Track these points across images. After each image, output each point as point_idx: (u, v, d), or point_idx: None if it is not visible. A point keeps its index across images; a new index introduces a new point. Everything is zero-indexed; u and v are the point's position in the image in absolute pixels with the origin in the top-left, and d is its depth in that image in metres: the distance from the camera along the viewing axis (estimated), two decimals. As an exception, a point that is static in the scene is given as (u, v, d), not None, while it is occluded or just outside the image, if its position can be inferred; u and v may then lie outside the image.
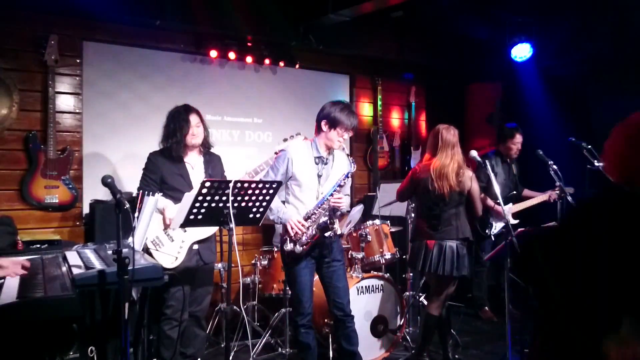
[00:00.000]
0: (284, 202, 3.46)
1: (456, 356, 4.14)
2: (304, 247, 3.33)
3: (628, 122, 1.73)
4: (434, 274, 3.78)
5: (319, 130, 3.43)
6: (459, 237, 3.77)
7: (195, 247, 3.53)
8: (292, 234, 3.33)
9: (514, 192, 5.04)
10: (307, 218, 3.35)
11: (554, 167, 4.31)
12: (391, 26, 5.76)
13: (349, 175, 3.37)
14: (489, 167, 3.81)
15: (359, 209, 4.17)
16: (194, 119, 3.54)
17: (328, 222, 3.30)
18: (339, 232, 3.44)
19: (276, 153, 3.66)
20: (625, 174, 1.69)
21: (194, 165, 3.60)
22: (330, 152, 3.46)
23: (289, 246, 3.35)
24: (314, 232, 3.32)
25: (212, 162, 3.68)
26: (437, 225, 3.79)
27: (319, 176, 3.40)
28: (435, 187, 3.73)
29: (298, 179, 3.39)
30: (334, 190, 3.31)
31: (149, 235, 3.35)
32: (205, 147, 3.67)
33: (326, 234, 3.30)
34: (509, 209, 4.68)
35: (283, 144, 3.69)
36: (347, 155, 3.53)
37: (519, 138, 4.98)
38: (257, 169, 3.66)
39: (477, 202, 3.85)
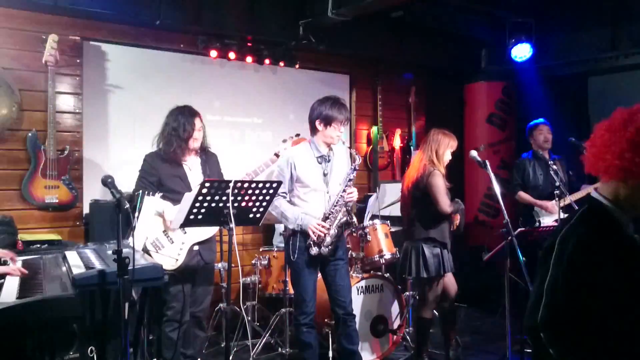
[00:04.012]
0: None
1: (458, 357, 4.14)
2: (330, 247, 3.35)
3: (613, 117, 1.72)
4: (408, 276, 3.91)
5: (314, 130, 3.45)
6: (421, 237, 3.78)
7: (196, 247, 3.51)
8: (315, 238, 3.33)
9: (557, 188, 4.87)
10: (325, 219, 3.37)
11: (554, 167, 4.30)
12: (391, 26, 5.76)
13: (357, 168, 3.40)
14: (488, 167, 3.81)
15: (374, 199, 4.23)
16: (197, 122, 3.51)
17: (347, 217, 3.34)
18: (358, 224, 3.53)
19: (275, 154, 3.66)
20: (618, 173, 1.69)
21: (192, 166, 3.57)
22: (330, 148, 3.49)
23: (314, 250, 3.35)
24: (336, 230, 3.34)
25: (209, 161, 3.65)
26: (406, 225, 3.89)
27: (325, 174, 3.42)
28: (402, 187, 3.87)
29: (303, 181, 3.40)
30: (346, 186, 3.34)
31: (149, 238, 3.34)
32: (202, 149, 3.65)
33: (350, 228, 3.37)
34: (552, 205, 4.62)
35: (282, 144, 3.69)
36: (348, 147, 3.54)
37: (544, 131, 4.87)
38: (257, 170, 3.65)
39: (436, 196, 3.71)
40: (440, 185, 3.71)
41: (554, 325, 1.61)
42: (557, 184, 4.29)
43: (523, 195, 4.83)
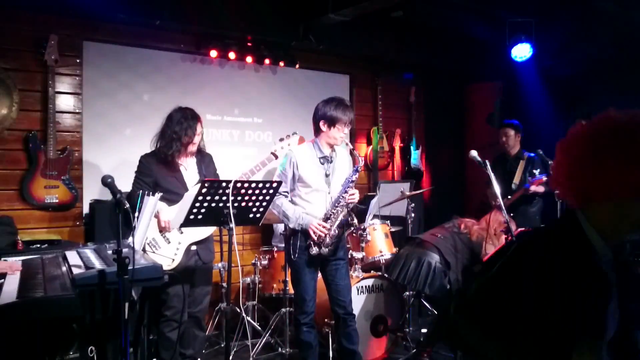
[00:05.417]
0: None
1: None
2: (330, 247, 3.35)
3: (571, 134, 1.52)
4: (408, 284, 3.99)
5: (318, 130, 3.44)
6: (442, 250, 3.79)
7: (193, 247, 3.51)
8: (316, 238, 3.33)
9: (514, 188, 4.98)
10: (326, 219, 3.36)
11: (525, 167, 4.36)
12: (391, 26, 5.75)
13: (359, 169, 3.40)
14: (488, 167, 3.81)
15: (375, 200, 4.25)
16: (198, 127, 3.49)
17: (348, 218, 3.34)
18: (358, 225, 3.53)
19: (272, 153, 3.65)
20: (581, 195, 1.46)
21: (188, 166, 3.57)
22: (333, 149, 3.48)
23: (314, 250, 3.35)
24: (336, 231, 3.34)
25: (204, 161, 3.65)
26: (430, 232, 4.01)
27: (327, 175, 3.42)
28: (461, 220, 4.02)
29: (305, 181, 3.40)
30: (348, 187, 3.33)
31: (147, 238, 3.33)
32: (197, 149, 3.63)
33: (350, 229, 3.37)
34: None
35: (279, 143, 3.68)
36: (352, 149, 3.54)
37: (502, 133, 5.05)
38: (254, 169, 3.64)
39: None
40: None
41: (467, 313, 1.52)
42: (515, 183, 4.42)
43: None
